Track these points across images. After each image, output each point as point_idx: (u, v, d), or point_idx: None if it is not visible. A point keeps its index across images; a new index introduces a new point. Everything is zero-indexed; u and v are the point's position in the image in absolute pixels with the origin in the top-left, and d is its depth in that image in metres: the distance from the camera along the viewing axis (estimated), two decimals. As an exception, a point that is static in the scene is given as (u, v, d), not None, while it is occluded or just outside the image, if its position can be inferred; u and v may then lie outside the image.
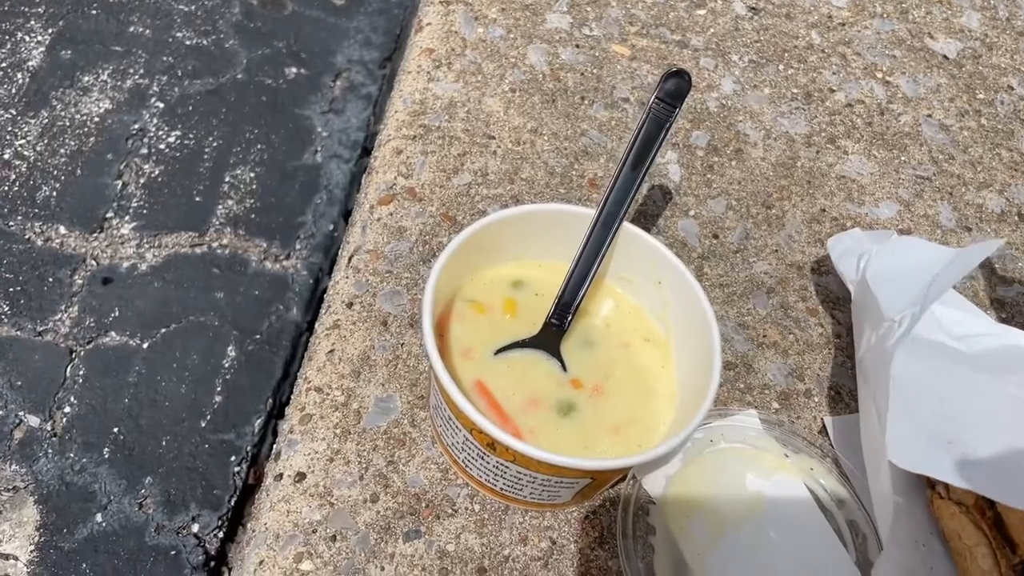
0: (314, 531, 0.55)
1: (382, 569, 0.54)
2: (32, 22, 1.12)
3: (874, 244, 0.67)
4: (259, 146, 1.06)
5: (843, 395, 0.67)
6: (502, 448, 0.49)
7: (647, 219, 0.76)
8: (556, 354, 0.57)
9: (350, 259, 0.69)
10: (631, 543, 0.56)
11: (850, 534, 0.59)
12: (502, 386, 0.55)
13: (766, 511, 0.59)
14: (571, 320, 0.57)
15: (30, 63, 1.07)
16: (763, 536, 0.58)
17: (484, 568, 0.55)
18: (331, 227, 1.01)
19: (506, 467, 0.51)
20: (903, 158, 0.84)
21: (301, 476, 0.57)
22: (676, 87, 0.56)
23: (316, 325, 0.68)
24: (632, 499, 0.58)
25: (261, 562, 0.53)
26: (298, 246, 0.98)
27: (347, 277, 0.68)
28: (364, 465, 0.58)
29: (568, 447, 0.53)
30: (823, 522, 0.59)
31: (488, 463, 0.52)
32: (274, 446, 0.61)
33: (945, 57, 0.95)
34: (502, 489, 0.55)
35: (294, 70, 1.15)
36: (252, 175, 1.03)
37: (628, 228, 0.58)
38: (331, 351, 0.63)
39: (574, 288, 0.57)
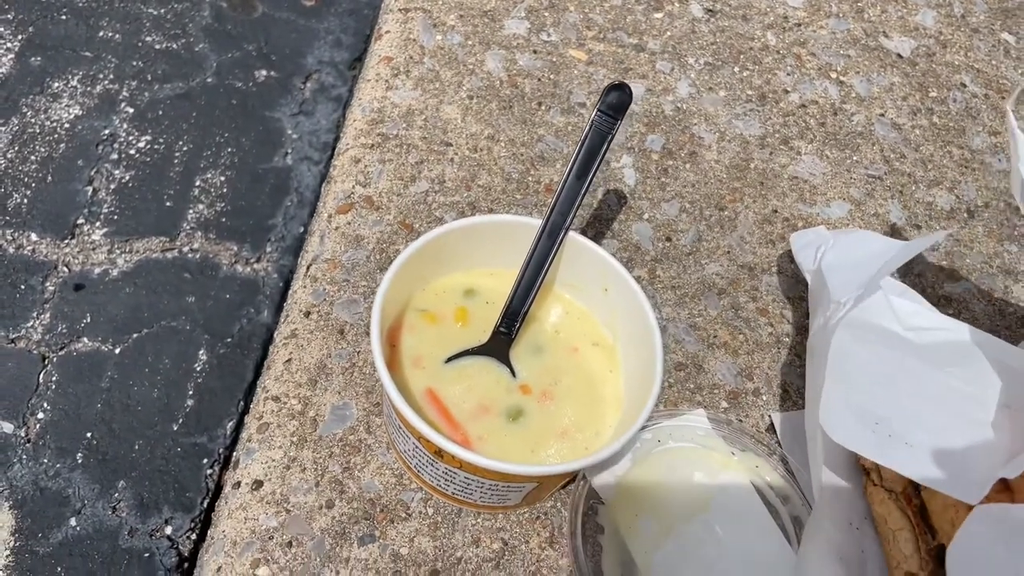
0: (271, 537, 0.56)
1: (337, 573, 0.56)
2: (1, 28, 1.12)
3: (830, 237, 0.69)
4: (229, 149, 1.07)
5: (791, 393, 0.69)
6: (449, 456, 0.51)
7: (602, 223, 0.77)
8: (506, 361, 0.59)
9: (308, 268, 0.71)
10: (580, 542, 0.58)
11: (794, 529, 0.61)
12: (452, 394, 0.57)
13: (713, 508, 0.61)
14: (519, 327, 0.59)
15: (0, 70, 1.08)
16: (710, 533, 0.60)
17: (437, 570, 0.57)
18: (301, 229, 1.02)
19: (455, 473, 0.53)
20: (855, 158, 0.86)
21: (258, 484, 0.59)
22: (618, 100, 0.57)
23: (275, 334, 0.69)
24: (581, 500, 0.59)
25: (219, 568, 0.55)
26: (268, 249, 1.00)
27: (305, 286, 0.69)
28: (320, 472, 0.60)
29: (516, 452, 0.55)
30: (768, 518, 0.61)
31: (438, 469, 0.54)
32: (233, 455, 0.63)
33: (899, 56, 0.97)
34: (453, 493, 0.57)
35: (264, 72, 1.16)
36: (222, 179, 1.04)
37: (574, 237, 0.60)
38: (288, 360, 0.65)
39: (521, 296, 0.59)
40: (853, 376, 0.58)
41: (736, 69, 0.92)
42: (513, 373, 0.58)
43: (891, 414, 0.56)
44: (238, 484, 0.59)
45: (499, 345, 0.59)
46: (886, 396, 0.58)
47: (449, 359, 0.58)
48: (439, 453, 0.52)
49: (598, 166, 0.58)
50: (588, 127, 0.57)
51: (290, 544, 0.56)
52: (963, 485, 0.51)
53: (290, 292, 0.71)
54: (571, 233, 0.59)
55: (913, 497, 0.56)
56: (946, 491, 0.51)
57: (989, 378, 0.60)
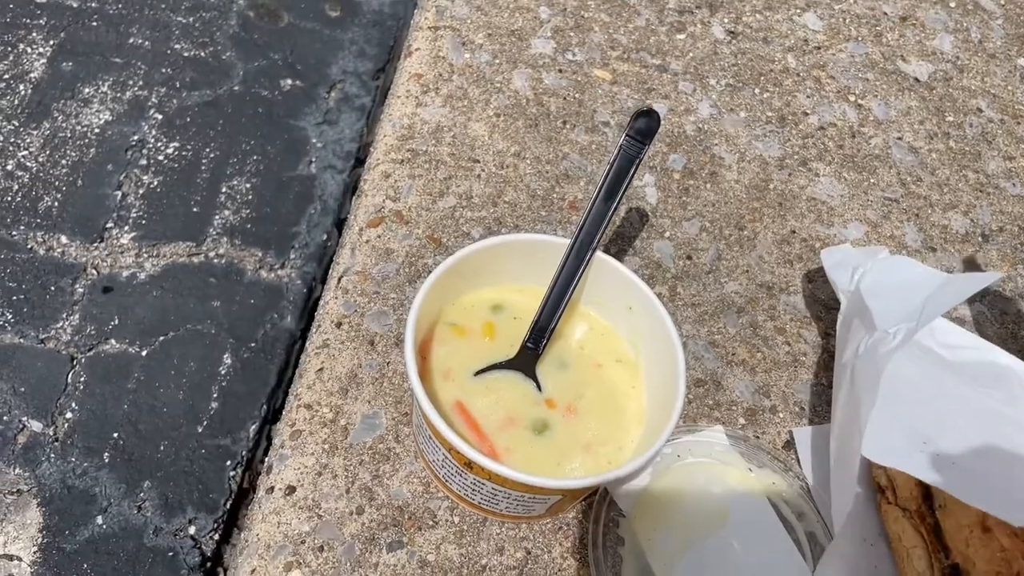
0: (303, 542, 0.58)
1: (366, 578, 0.58)
2: (34, 34, 1.14)
3: (866, 258, 0.70)
4: (255, 157, 1.09)
5: (807, 411, 0.71)
6: (478, 467, 0.52)
7: (624, 241, 0.79)
8: (532, 375, 0.60)
9: (339, 280, 0.73)
10: (601, 554, 0.60)
11: (808, 545, 0.63)
12: (480, 406, 0.58)
13: (730, 523, 0.63)
14: (546, 343, 0.61)
15: (32, 75, 1.10)
16: (727, 547, 0.62)
17: (462, 577, 0.59)
18: (324, 237, 1.04)
19: (482, 484, 0.55)
20: (872, 180, 0.88)
21: (291, 489, 0.61)
22: (646, 125, 0.59)
23: (307, 344, 0.71)
24: (603, 512, 0.61)
25: (253, 571, 0.57)
26: (292, 255, 1.02)
27: (336, 297, 0.71)
28: (351, 479, 0.62)
29: (542, 464, 0.57)
30: (784, 534, 0.63)
31: (466, 480, 0.56)
32: (266, 460, 0.65)
33: (916, 80, 0.99)
34: (480, 503, 0.58)
35: (289, 81, 1.18)
36: (248, 186, 1.06)
37: (601, 257, 0.62)
38: (320, 369, 0.67)
39: (549, 313, 0.60)
40: (906, 398, 0.59)
41: (756, 91, 0.94)
42: (539, 387, 0.60)
43: (939, 433, 0.57)
44: (271, 489, 0.61)
45: (526, 360, 0.61)
46: (932, 415, 0.59)
47: (477, 372, 0.60)
48: (469, 464, 0.53)
49: (625, 189, 0.59)
50: (616, 151, 0.59)
51: (322, 548, 0.58)
52: (1008, 506, 0.51)
53: (321, 303, 0.73)
54: (597, 252, 0.61)
55: (927, 515, 0.58)
56: (992, 511, 0.52)
57: None
